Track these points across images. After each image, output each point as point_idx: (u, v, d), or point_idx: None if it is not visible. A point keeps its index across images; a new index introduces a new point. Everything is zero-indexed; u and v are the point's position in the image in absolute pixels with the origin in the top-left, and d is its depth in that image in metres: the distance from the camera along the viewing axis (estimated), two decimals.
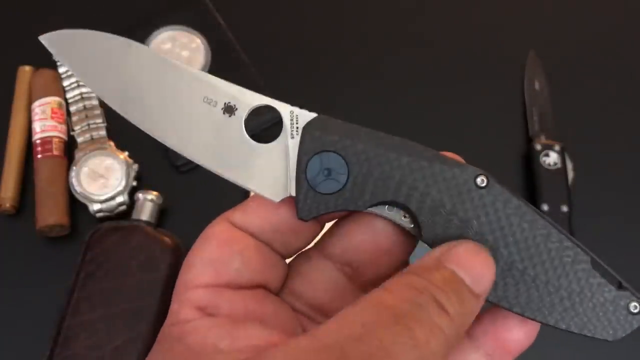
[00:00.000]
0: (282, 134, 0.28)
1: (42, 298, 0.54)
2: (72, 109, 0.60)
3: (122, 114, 0.28)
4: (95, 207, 0.55)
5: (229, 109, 0.28)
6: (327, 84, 0.63)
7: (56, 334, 0.51)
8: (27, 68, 0.61)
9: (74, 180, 0.56)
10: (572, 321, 0.27)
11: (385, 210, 0.28)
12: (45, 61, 0.61)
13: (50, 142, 0.57)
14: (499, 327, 0.29)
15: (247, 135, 0.28)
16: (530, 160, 0.59)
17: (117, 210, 0.56)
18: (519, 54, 0.64)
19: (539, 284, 0.27)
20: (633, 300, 0.28)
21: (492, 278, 0.26)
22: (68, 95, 0.60)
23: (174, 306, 0.27)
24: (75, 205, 0.56)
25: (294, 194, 0.28)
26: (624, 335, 0.27)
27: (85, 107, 0.60)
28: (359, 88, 0.62)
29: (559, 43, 0.66)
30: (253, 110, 0.28)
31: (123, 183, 0.56)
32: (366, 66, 0.64)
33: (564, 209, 0.56)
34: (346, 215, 0.30)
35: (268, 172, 0.28)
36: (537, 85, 0.63)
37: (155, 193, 0.56)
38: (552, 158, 0.58)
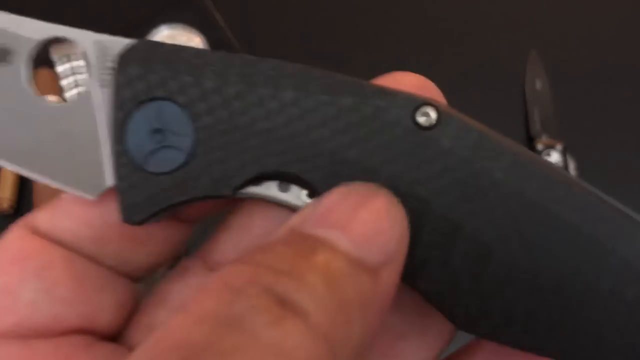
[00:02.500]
0: (86, 83, 0.18)
1: None
2: (63, 82, 0.59)
3: None
4: None
5: (1, 54, 0.17)
6: None
7: None
8: None
9: None
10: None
11: (275, 191, 0.17)
12: (42, 61, 0.60)
13: None
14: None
15: (32, 92, 0.17)
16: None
17: None
18: (520, 54, 0.64)
19: (557, 293, 0.16)
20: None
21: (398, 233, 0.16)
22: (66, 95, 0.60)
23: None
24: None
25: (114, 182, 0.17)
26: None
27: (76, 81, 0.59)
28: None
29: (561, 42, 0.65)
30: (44, 50, 0.18)
31: None
32: (367, 66, 0.63)
33: None
34: (232, 205, 0.20)
35: (72, 150, 0.17)
36: (538, 85, 0.63)
37: None
38: (553, 158, 0.58)
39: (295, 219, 0.16)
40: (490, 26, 0.66)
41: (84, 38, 0.18)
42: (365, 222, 0.15)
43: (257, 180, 0.17)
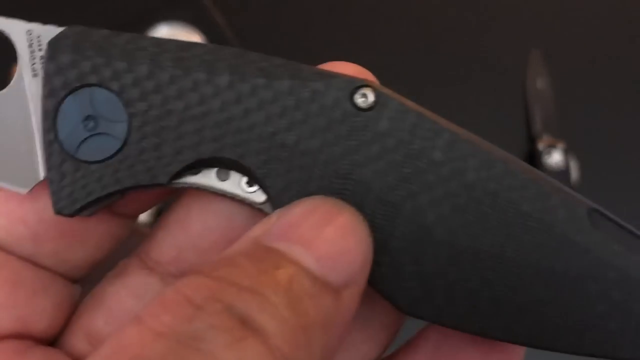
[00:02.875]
0: (17, 73, 0.17)
1: None
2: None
3: None
4: None
5: None
6: None
7: None
8: None
9: None
10: (577, 337, 0.15)
11: (214, 180, 0.17)
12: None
13: None
14: (450, 352, 0.18)
15: None
16: (533, 160, 0.58)
17: None
18: (522, 53, 0.64)
19: (497, 271, 0.15)
20: None
21: (362, 254, 0.15)
22: None
23: None
24: None
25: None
26: None
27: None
28: None
29: (562, 41, 0.65)
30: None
31: None
32: (367, 67, 0.63)
33: None
34: (172, 195, 0.19)
35: (4, 142, 0.16)
36: (539, 84, 0.62)
37: None
38: (555, 158, 0.58)
39: (258, 229, 0.15)
40: (491, 25, 0.66)
41: (13, 27, 0.17)
42: (330, 241, 0.15)
43: (195, 168, 0.17)
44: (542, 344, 0.16)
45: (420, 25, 0.66)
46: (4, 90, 0.17)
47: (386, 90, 0.17)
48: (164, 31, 0.63)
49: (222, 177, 0.17)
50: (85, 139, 0.16)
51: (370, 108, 0.16)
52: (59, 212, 0.17)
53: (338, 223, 0.15)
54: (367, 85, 0.17)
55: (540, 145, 0.58)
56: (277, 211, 0.16)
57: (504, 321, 0.16)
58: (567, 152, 0.58)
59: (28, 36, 0.17)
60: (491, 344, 0.18)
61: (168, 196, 0.19)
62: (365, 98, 0.17)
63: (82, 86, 0.16)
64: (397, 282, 0.16)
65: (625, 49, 0.65)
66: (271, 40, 0.65)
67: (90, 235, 0.18)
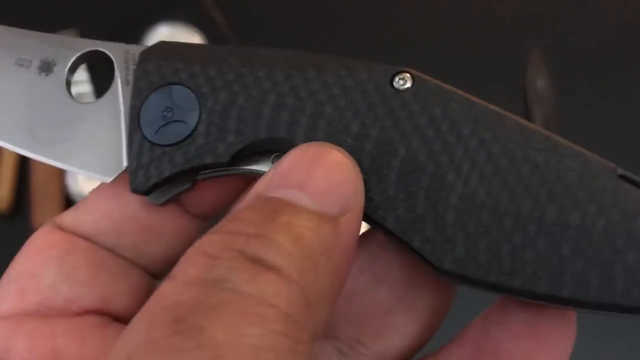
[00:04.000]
0: (113, 84, 0.20)
1: None
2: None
3: None
4: None
5: (46, 66, 0.21)
6: None
7: None
8: None
9: (69, 181, 0.55)
10: (608, 288, 0.16)
11: (269, 166, 0.19)
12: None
13: None
14: (495, 345, 0.19)
15: (69, 96, 0.21)
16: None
17: None
18: (522, 53, 0.64)
19: (530, 228, 0.17)
20: None
21: (351, 183, 0.17)
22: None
23: None
24: (71, 206, 0.55)
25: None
26: None
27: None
28: None
29: (563, 41, 0.65)
30: (81, 62, 0.21)
31: None
32: None
33: None
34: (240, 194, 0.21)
35: (97, 140, 0.20)
36: (540, 84, 0.62)
37: None
38: None
39: (259, 185, 0.17)
40: (492, 25, 0.66)
41: (115, 49, 0.21)
42: (320, 178, 0.17)
43: (254, 156, 0.19)
44: (585, 296, 0.17)
45: (420, 25, 0.66)
46: (102, 98, 0.20)
47: (424, 76, 0.19)
48: (164, 31, 0.64)
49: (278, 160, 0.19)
50: (162, 125, 0.19)
51: (407, 90, 0.19)
52: (134, 189, 0.19)
53: (325, 161, 0.17)
54: (405, 71, 0.19)
55: None
56: (274, 164, 0.18)
57: (546, 275, 0.17)
58: None
59: (125, 54, 0.20)
60: (536, 334, 0.19)
61: (232, 200, 0.22)
62: (404, 81, 0.19)
63: (164, 85, 0.19)
64: (441, 243, 0.18)
65: (625, 49, 0.65)
66: (271, 40, 0.65)
67: (165, 231, 0.21)
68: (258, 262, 0.15)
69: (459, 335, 0.21)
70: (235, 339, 0.14)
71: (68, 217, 0.21)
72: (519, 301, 0.19)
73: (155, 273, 0.22)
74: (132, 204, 0.20)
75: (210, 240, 0.16)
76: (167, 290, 0.15)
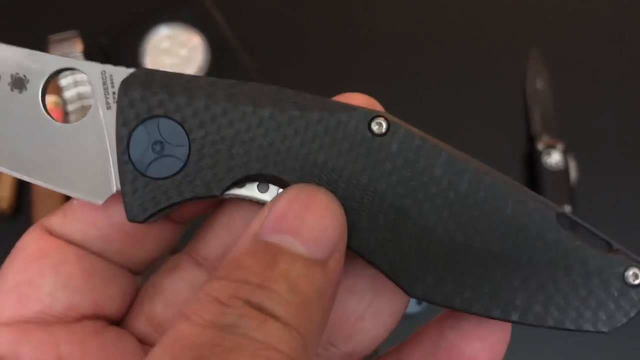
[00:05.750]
0: (93, 106, 0.20)
1: None
2: (70, 108, 0.59)
3: None
4: None
5: (18, 82, 0.20)
6: (328, 84, 0.62)
7: None
8: None
9: None
10: (547, 312, 0.19)
11: (255, 192, 0.20)
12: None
13: None
14: (449, 345, 0.22)
15: (47, 115, 0.20)
16: (532, 160, 0.58)
17: None
18: (521, 53, 0.64)
19: (489, 263, 0.19)
20: (631, 267, 0.19)
21: (338, 227, 0.19)
22: (65, 94, 0.60)
23: None
24: None
25: (120, 187, 0.20)
26: (625, 320, 0.19)
27: (82, 107, 0.59)
28: (361, 88, 0.62)
29: (562, 41, 0.65)
30: (54, 79, 0.21)
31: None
32: (367, 66, 0.63)
33: (567, 209, 0.56)
34: (218, 205, 0.23)
35: (82, 163, 0.20)
36: (539, 84, 0.63)
37: None
38: (554, 158, 0.58)
39: (255, 225, 0.19)
40: (492, 25, 0.66)
41: (90, 69, 0.20)
42: (312, 225, 0.19)
43: (241, 182, 0.20)
44: (531, 321, 0.20)
45: (421, 25, 0.66)
46: (83, 120, 0.20)
47: (396, 120, 0.21)
48: (164, 32, 0.64)
49: (263, 190, 0.21)
50: (154, 160, 0.20)
51: (383, 134, 0.20)
52: (132, 219, 0.20)
53: (315, 207, 0.19)
54: (381, 116, 0.20)
55: (540, 145, 0.58)
56: (268, 204, 0.19)
57: (498, 301, 0.20)
58: (566, 152, 0.58)
59: (102, 75, 0.20)
60: (482, 337, 0.22)
61: (212, 208, 0.23)
62: (379, 126, 0.20)
63: (151, 117, 0.20)
64: (414, 273, 0.20)
65: (625, 49, 0.65)
66: (271, 40, 0.65)
67: (149, 237, 0.22)
68: (262, 310, 0.17)
69: (417, 335, 0.23)
70: None
71: (57, 222, 0.22)
72: None
73: (139, 272, 0.23)
74: (119, 214, 0.21)
75: (220, 287, 0.18)
76: (184, 330, 0.17)
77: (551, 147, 0.58)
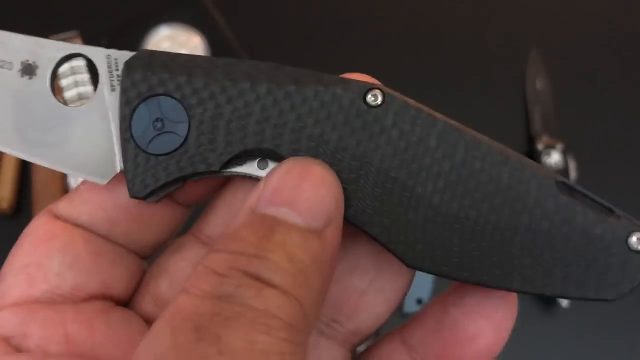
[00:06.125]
0: (98, 89, 0.21)
1: None
2: None
3: None
4: None
5: (28, 69, 0.21)
6: None
7: None
8: None
9: (71, 181, 0.55)
10: (548, 280, 0.19)
11: (255, 169, 0.21)
12: None
13: None
14: (453, 323, 0.22)
15: (55, 99, 0.21)
16: (532, 159, 0.58)
17: None
18: (521, 53, 0.64)
19: (486, 231, 0.19)
20: (635, 232, 0.19)
21: (333, 197, 0.19)
22: (65, 95, 0.60)
23: None
24: None
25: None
26: (630, 287, 0.18)
27: None
28: None
29: (562, 42, 0.65)
30: (62, 65, 0.22)
31: None
32: (368, 66, 0.63)
33: None
34: (222, 186, 0.23)
35: (89, 144, 0.21)
36: (539, 84, 0.63)
37: None
38: (554, 158, 0.58)
39: (252, 198, 0.19)
40: (491, 25, 0.66)
41: (96, 53, 0.21)
42: (307, 195, 0.19)
43: (241, 159, 0.20)
44: (531, 289, 0.19)
45: (421, 25, 0.66)
46: (89, 103, 0.21)
47: (392, 92, 0.20)
48: (164, 32, 0.64)
49: (262, 166, 0.21)
50: (155, 136, 0.20)
51: (379, 105, 0.20)
52: (133, 195, 0.20)
53: (310, 178, 0.19)
54: (376, 88, 0.20)
55: (539, 145, 0.58)
56: (264, 178, 0.19)
57: (497, 270, 0.19)
58: (565, 152, 0.58)
59: (107, 59, 0.21)
60: (486, 314, 0.22)
61: (216, 189, 0.23)
62: (375, 97, 0.20)
63: (152, 95, 0.20)
64: (411, 245, 0.20)
65: (624, 49, 0.65)
66: (270, 40, 0.65)
67: (155, 220, 0.22)
68: (259, 279, 0.17)
69: (421, 313, 0.24)
70: (248, 346, 0.16)
71: (64, 207, 0.22)
72: (472, 285, 0.21)
73: (146, 256, 0.24)
74: (124, 195, 0.21)
75: (217, 259, 0.18)
76: (184, 302, 0.17)
77: (551, 147, 0.58)
